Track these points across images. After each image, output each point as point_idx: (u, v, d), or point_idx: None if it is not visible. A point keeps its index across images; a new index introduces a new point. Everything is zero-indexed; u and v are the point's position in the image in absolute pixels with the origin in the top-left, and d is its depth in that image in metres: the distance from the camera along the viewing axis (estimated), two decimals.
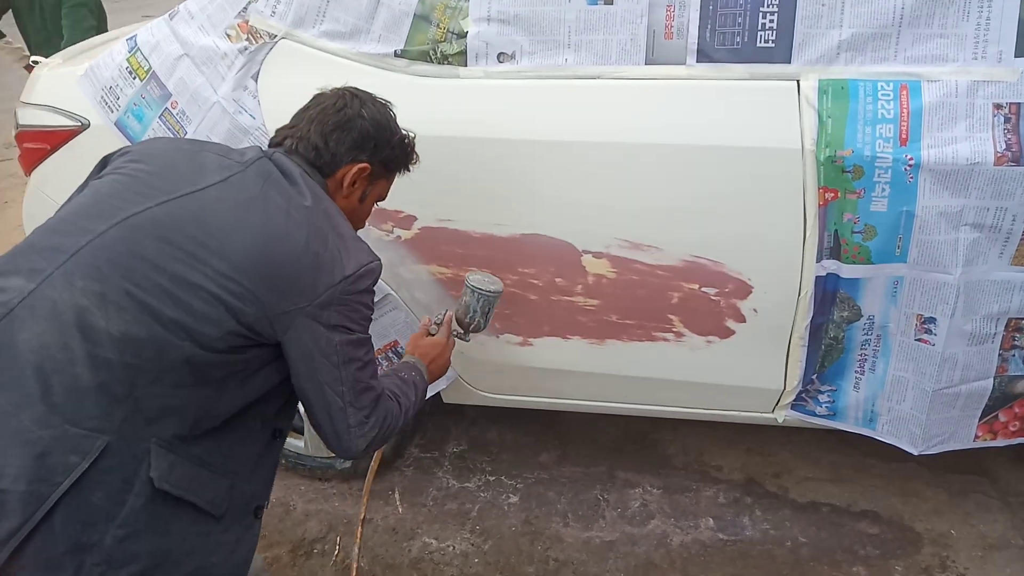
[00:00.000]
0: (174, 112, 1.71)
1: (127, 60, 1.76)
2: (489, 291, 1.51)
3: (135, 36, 1.79)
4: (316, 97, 1.30)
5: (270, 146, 1.28)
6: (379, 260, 1.17)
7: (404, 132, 1.34)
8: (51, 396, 0.94)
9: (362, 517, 1.75)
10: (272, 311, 1.05)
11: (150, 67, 1.73)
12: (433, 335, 1.50)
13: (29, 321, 0.97)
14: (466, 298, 1.52)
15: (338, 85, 1.32)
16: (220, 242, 1.04)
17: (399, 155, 1.33)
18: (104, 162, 1.24)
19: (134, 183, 1.12)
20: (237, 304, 1.03)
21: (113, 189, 1.12)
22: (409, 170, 1.38)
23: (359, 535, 1.73)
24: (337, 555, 1.91)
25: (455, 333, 1.54)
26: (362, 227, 1.39)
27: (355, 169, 1.26)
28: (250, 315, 1.04)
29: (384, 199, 1.39)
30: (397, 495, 2.08)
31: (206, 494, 1.04)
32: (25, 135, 1.88)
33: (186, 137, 1.67)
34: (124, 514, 0.96)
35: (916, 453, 1.65)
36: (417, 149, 1.36)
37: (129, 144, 1.28)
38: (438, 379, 1.49)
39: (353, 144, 1.25)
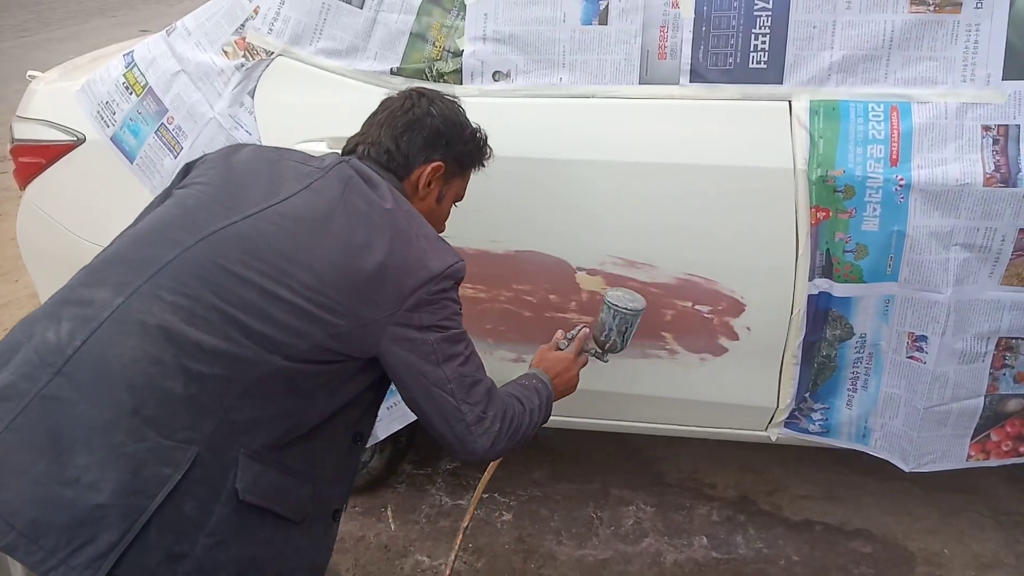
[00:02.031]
0: (170, 127, 1.72)
1: (124, 75, 1.76)
2: (626, 308, 1.39)
3: (132, 52, 1.80)
4: (384, 102, 1.29)
5: (343, 154, 1.26)
6: (463, 261, 1.15)
7: (475, 126, 1.31)
8: (144, 410, 0.94)
9: (464, 525, 1.67)
10: (363, 320, 1.05)
11: (146, 83, 1.74)
12: (562, 350, 1.42)
13: (120, 336, 0.97)
14: (602, 314, 1.42)
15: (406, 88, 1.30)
16: (306, 254, 1.04)
17: (472, 150, 1.31)
18: (187, 169, 1.23)
19: (219, 195, 1.12)
20: (327, 316, 1.03)
21: (199, 201, 1.12)
22: (484, 166, 1.36)
23: (458, 541, 1.66)
24: None
25: (592, 352, 1.45)
26: (442, 229, 1.35)
27: (429, 169, 1.24)
28: (342, 327, 1.03)
29: (462, 199, 1.37)
30: (390, 512, 2.06)
31: (288, 501, 1.04)
32: (20, 149, 1.89)
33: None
34: (212, 523, 0.95)
35: (907, 470, 1.65)
36: None
37: (206, 153, 1.27)
38: (565, 395, 1.39)
39: (425, 143, 1.24)
